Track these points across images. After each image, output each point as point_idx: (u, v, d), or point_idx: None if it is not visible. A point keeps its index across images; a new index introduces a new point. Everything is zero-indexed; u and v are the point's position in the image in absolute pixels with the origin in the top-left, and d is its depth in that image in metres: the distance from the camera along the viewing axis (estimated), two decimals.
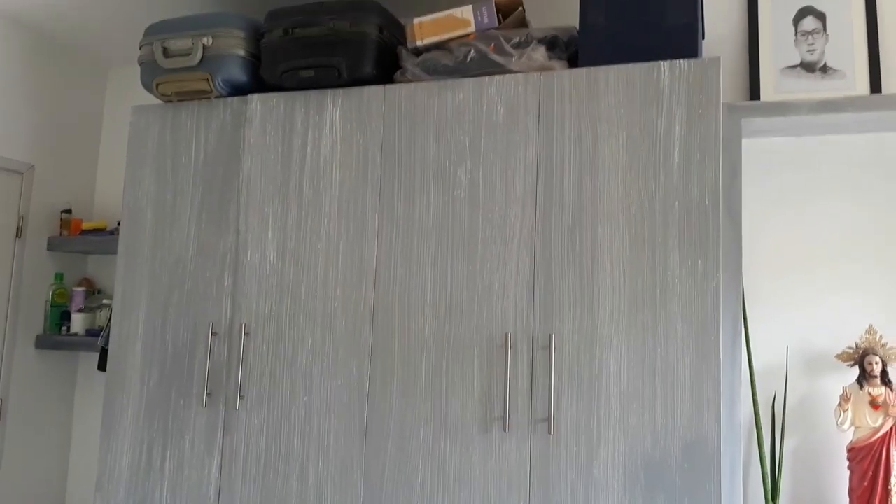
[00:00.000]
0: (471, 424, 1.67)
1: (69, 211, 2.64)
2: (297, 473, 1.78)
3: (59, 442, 2.62)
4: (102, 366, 2.27)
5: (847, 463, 1.77)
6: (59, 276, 2.60)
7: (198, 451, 1.88)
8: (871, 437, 1.72)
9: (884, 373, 1.77)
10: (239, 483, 1.83)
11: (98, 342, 2.36)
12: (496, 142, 1.73)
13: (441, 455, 1.68)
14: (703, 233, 1.57)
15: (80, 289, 2.59)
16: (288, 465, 1.79)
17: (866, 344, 1.80)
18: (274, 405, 1.82)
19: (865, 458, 1.71)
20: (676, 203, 1.60)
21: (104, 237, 2.55)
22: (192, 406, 1.90)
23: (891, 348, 1.79)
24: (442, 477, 1.67)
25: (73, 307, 2.55)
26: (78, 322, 2.53)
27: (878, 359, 1.76)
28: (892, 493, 1.68)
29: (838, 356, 1.83)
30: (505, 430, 1.63)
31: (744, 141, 2.04)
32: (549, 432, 1.60)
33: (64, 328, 2.55)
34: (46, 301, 2.57)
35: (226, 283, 1.92)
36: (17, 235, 2.50)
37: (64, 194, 2.67)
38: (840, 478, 1.83)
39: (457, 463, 1.66)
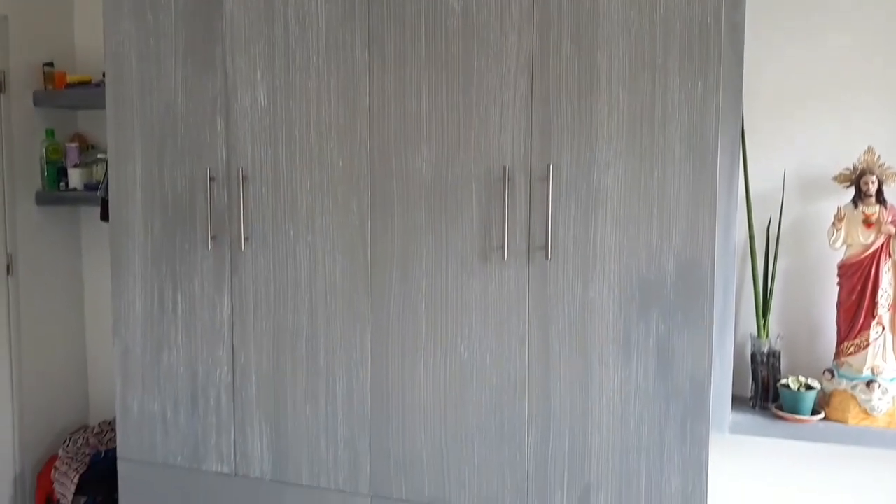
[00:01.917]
0: (471, 255, 1.71)
1: (51, 64, 2.56)
2: (306, 308, 1.85)
3: (72, 293, 2.71)
4: (105, 215, 2.29)
5: (837, 280, 1.83)
6: (50, 132, 2.57)
7: (208, 292, 1.94)
8: (862, 254, 1.76)
9: (879, 192, 1.79)
10: (251, 319, 1.90)
11: (98, 193, 2.37)
12: None
13: (443, 284, 1.73)
14: (704, 52, 1.53)
15: (72, 144, 2.56)
16: (297, 300, 1.85)
17: (864, 164, 1.80)
18: (278, 245, 1.86)
19: (855, 274, 1.77)
20: (678, 22, 1.54)
21: (91, 90, 2.50)
22: (197, 250, 1.94)
23: (888, 168, 1.80)
24: (444, 304, 1.73)
25: (69, 163, 2.54)
26: (75, 177, 2.53)
27: (874, 178, 1.77)
28: (879, 304, 1.74)
29: (835, 178, 1.84)
30: (504, 259, 1.67)
31: None
32: (547, 258, 1.64)
33: (62, 184, 2.56)
34: (41, 158, 2.55)
35: (218, 128, 1.90)
36: (1, 91, 2.44)
37: (43, 47, 2.58)
38: (829, 294, 1.90)
39: (458, 291, 1.72)
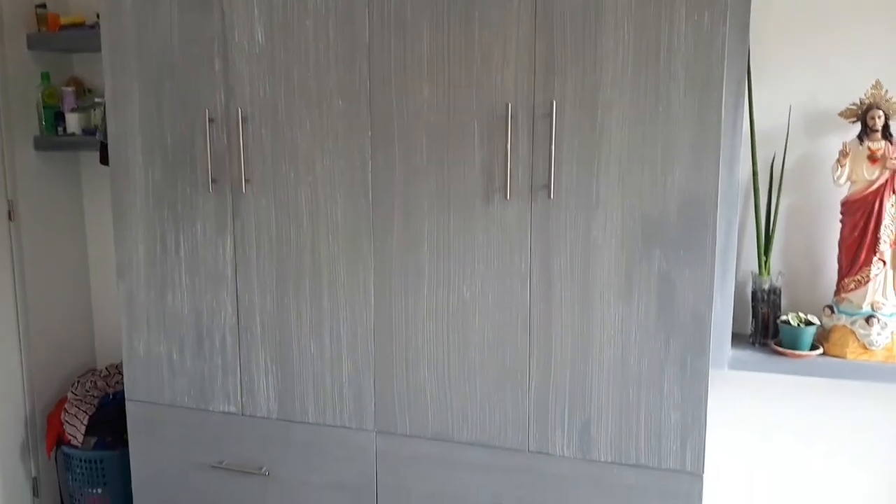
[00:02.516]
0: (473, 195, 1.70)
1: (43, 6, 2.50)
2: (308, 249, 1.85)
3: (75, 238, 2.71)
4: (104, 159, 2.27)
5: (840, 216, 1.82)
6: (46, 76, 2.53)
7: (210, 234, 1.94)
8: (865, 190, 1.75)
9: (885, 127, 1.77)
10: (253, 261, 1.91)
11: (97, 137, 2.35)
12: None
13: (445, 225, 1.73)
14: None
15: (68, 88, 2.53)
16: (299, 242, 1.86)
17: (871, 99, 1.77)
18: (279, 187, 1.85)
19: (858, 210, 1.76)
20: None
21: (85, 32, 2.45)
22: (198, 193, 1.93)
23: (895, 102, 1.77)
24: (447, 244, 1.73)
25: (66, 107, 2.51)
26: (73, 122, 2.50)
27: (881, 113, 1.75)
28: (881, 240, 1.74)
29: (841, 113, 1.82)
30: (506, 198, 1.67)
31: None
32: (549, 197, 1.63)
33: (60, 129, 2.53)
34: (38, 103, 2.52)
35: (216, 68, 1.87)
36: None
37: None
38: (831, 232, 1.90)
39: (460, 230, 1.72)
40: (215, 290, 1.96)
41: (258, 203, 1.88)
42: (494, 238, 1.70)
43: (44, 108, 2.52)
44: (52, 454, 2.47)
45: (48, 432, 2.48)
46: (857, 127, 1.80)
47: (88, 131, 2.49)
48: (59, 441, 2.44)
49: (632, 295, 1.62)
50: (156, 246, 2.00)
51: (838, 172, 1.78)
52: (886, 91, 1.77)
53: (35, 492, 2.58)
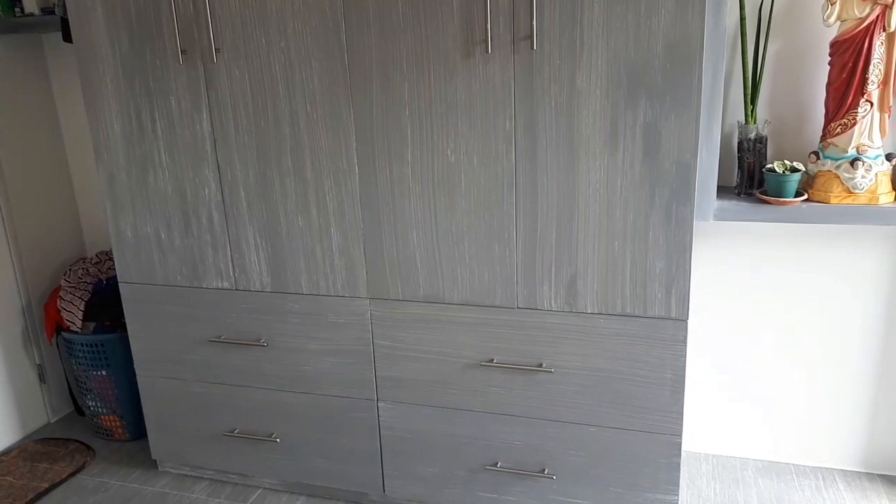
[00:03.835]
0: (453, 50, 1.64)
1: None
2: (287, 119, 1.81)
3: (48, 124, 2.64)
4: (67, 36, 2.17)
5: (828, 59, 1.78)
6: None
7: (185, 108, 1.89)
8: (855, 29, 1.70)
9: None
10: (232, 134, 1.87)
11: (56, 12, 2.24)
12: None
13: (425, 84, 1.68)
14: None
15: None
16: (277, 112, 1.81)
17: None
18: (252, 54, 1.78)
19: (847, 50, 1.72)
20: None
21: None
22: (169, 65, 1.86)
23: None
24: (428, 106, 1.69)
25: None
26: (30, 1, 2.37)
27: None
28: (869, 80, 1.71)
29: None
30: (487, 52, 1.61)
31: None
32: (532, 48, 1.58)
33: (17, 10, 2.40)
34: None
35: None
36: None
37: None
38: (819, 75, 1.86)
39: (442, 90, 1.67)
40: (196, 166, 1.93)
41: (231, 73, 1.82)
42: (477, 96, 1.66)
43: None
44: (54, 341, 2.52)
45: (46, 321, 2.51)
46: None
47: (47, 10, 2.37)
48: (59, 328, 2.48)
49: (617, 146, 1.60)
50: (131, 124, 1.95)
51: (828, 11, 1.72)
52: None
53: (42, 378, 2.65)
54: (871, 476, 2.17)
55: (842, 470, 2.21)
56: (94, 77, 1.94)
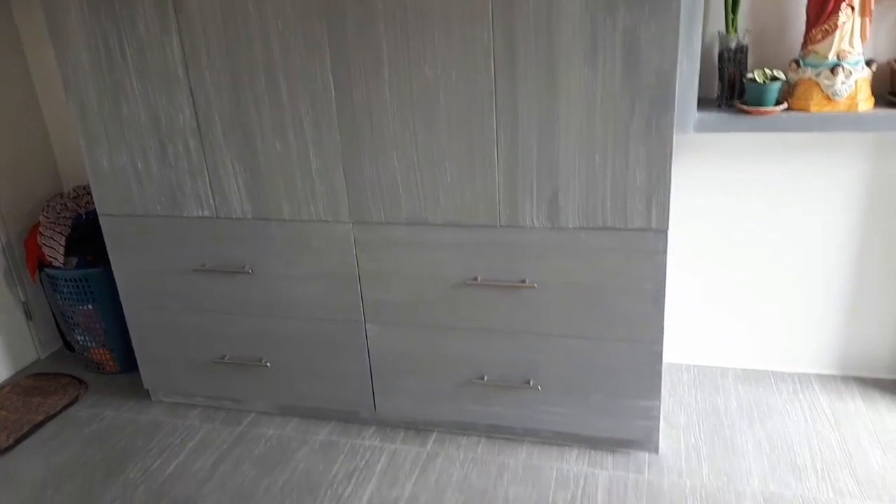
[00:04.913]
0: None
1: None
2: (259, 39, 1.76)
3: (13, 60, 2.56)
4: None
5: None
6: None
7: (154, 32, 1.83)
8: None
9: None
10: (204, 58, 1.82)
11: None
12: None
13: None
14: None
15: None
16: (248, 32, 1.76)
17: None
18: None
19: None
20: None
21: None
22: None
23: None
24: (403, 20, 1.65)
25: None
26: None
27: None
28: None
29: None
30: None
31: None
32: None
33: None
34: None
35: None
36: None
37: None
38: None
39: (417, 3, 1.63)
40: (169, 92, 1.89)
41: None
42: (454, 9, 1.61)
43: None
44: (37, 277, 2.51)
45: (28, 257, 2.49)
46: None
47: None
48: (42, 265, 2.46)
49: (597, 57, 1.58)
50: (99, 53, 1.89)
51: None
52: None
53: (28, 315, 2.65)
54: (846, 378, 2.25)
55: (818, 374, 2.28)
56: (56, 8, 1.87)
